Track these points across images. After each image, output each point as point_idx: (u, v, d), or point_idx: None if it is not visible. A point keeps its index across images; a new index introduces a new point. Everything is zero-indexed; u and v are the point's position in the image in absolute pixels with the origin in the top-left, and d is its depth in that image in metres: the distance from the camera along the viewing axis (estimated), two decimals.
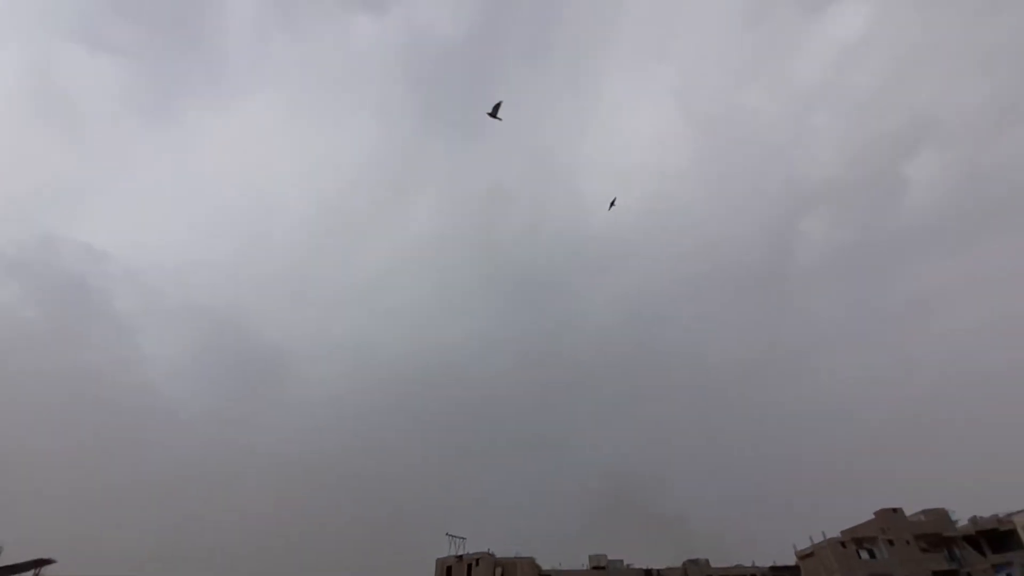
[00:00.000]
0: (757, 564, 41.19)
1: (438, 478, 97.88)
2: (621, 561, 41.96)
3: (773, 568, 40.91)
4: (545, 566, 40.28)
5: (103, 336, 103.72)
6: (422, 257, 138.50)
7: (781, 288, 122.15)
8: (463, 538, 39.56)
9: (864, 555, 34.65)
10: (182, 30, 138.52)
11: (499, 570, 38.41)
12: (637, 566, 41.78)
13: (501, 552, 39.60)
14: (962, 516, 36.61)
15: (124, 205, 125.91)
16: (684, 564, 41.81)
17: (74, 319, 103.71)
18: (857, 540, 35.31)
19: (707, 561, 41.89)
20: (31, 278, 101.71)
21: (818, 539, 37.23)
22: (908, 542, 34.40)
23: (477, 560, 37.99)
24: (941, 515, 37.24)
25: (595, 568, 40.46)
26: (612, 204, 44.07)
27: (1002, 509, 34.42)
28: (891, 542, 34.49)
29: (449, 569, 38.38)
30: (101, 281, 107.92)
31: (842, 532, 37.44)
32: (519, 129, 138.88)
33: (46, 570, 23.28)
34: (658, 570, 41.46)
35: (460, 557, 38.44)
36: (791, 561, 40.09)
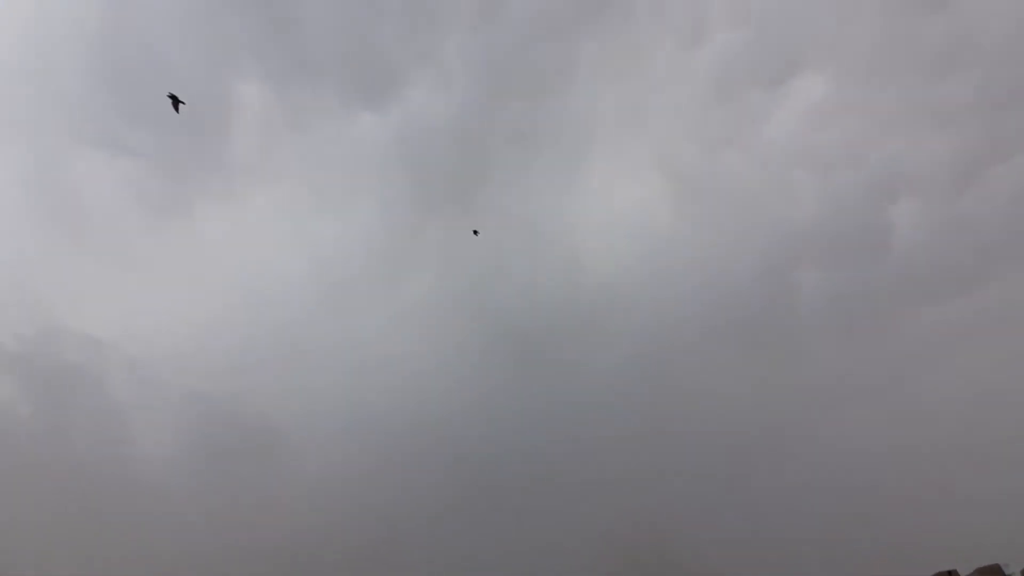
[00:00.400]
0: None
1: (443, 547, 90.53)
2: None
3: None
4: None
5: (99, 428, 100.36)
6: (421, 327, 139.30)
7: (783, 342, 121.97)
8: None
9: None
10: (192, 129, 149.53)
11: None
12: None
13: None
14: (1015, 567, 34.12)
15: (127, 296, 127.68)
16: None
17: (71, 411, 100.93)
18: None
19: None
20: (30, 371, 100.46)
21: None
22: None
23: None
24: (995, 570, 34.94)
25: None
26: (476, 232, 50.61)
27: None
28: None
29: None
30: (99, 370, 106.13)
31: None
32: (510, 204, 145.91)
33: None
34: None
35: None
36: None
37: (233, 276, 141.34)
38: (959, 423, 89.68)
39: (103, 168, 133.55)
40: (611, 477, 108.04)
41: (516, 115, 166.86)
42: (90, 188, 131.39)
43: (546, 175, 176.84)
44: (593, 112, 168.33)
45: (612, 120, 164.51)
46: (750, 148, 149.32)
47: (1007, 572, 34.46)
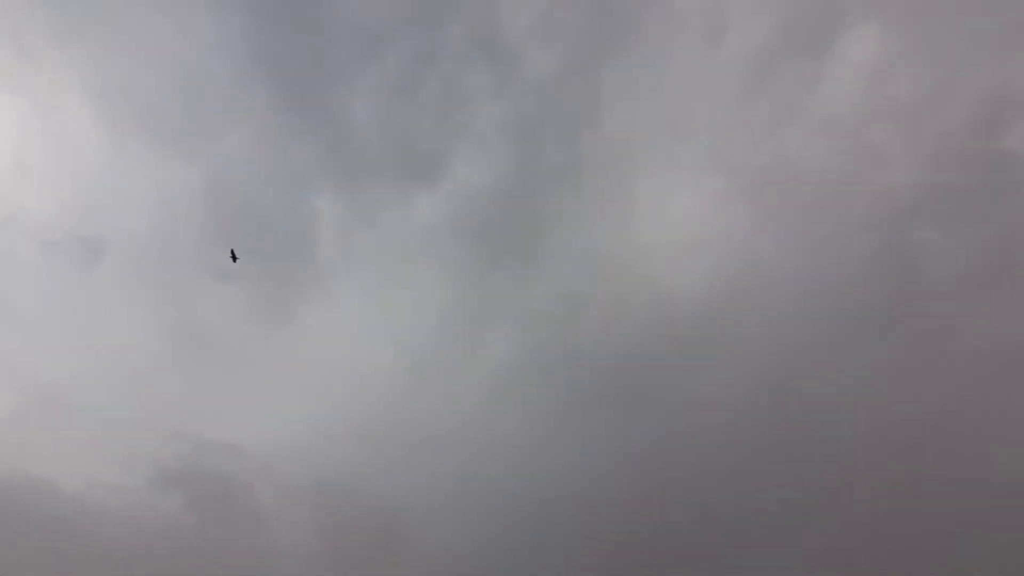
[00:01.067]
0: None
1: None
2: None
3: None
4: None
5: (248, 531, 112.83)
6: (507, 387, 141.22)
7: (917, 318, 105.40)
8: None
9: None
10: (284, 248, 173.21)
11: None
12: None
13: None
14: None
15: (253, 403, 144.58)
16: None
17: (228, 518, 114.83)
18: None
19: None
20: (192, 485, 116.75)
21: None
22: None
23: None
24: None
25: None
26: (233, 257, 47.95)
27: None
28: None
29: None
30: (245, 477, 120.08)
31: None
32: (569, 243, 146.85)
33: None
34: None
35: None
36: None
37: (334, 370, 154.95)
38: None
39: (218, 297, 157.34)
40: (745, 509, 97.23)
41: (555, 159, 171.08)
42: (209, 316, 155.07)
43: (599, 207, 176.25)
44: (632, 133, 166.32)
45: (653, 136, 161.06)
46: (810, 122, 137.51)
47: None
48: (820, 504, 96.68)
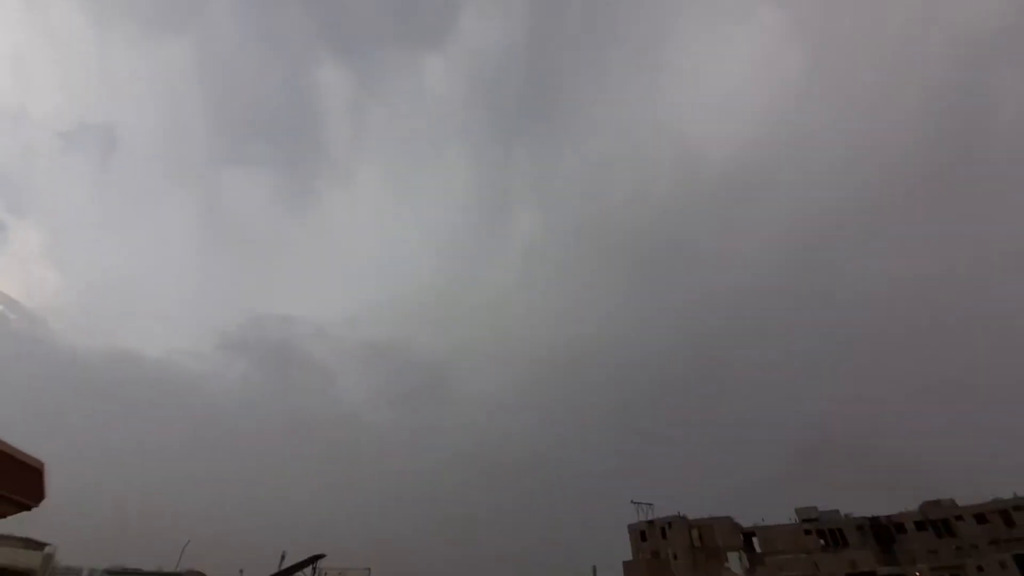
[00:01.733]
0: (1020, 494, 33.38)
1: (615, 455, 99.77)
2: (836, 511, 37.73)
3: None
4: (745, 524, 38.18)
5: (310, 384, 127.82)
6: (538, 256, 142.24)
7: (978, 173, 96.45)
8: (650, 504, 39.71)
9: None
10: (294, 129, 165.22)
11: (695, 532, 37.60)
12: (857, 515, 37.15)
13: (693, 514, 38.72)
14: None
15: (295, 278, 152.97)
16: (922, 507, 35.89)
17: (288, 375, 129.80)
18: None
19: (952, 500, 35.32)
20: (254, 349, 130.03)
21: None
22: None
23: (670, 523, 37.72)
24: None
25: (805, 521, 37.05)
26: None
27: None
28: None
29: (643, 534, 38.78)
30: (298, 340, 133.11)
31: None
32: (594, 107, 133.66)
33: (320, 563, 28.29)
34: (888, 517, 36.30)
35: (651, 522, 38.58)
36: None
37: (367, 252, 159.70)
38: None
39: (239, 185, 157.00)
40: (794, 362, 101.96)
41: (574, 6, 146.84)
42: (236, 204, 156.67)
43: (628, 66, 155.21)
44: None
45: None
46: None
47: None
48: (850, 351, 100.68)
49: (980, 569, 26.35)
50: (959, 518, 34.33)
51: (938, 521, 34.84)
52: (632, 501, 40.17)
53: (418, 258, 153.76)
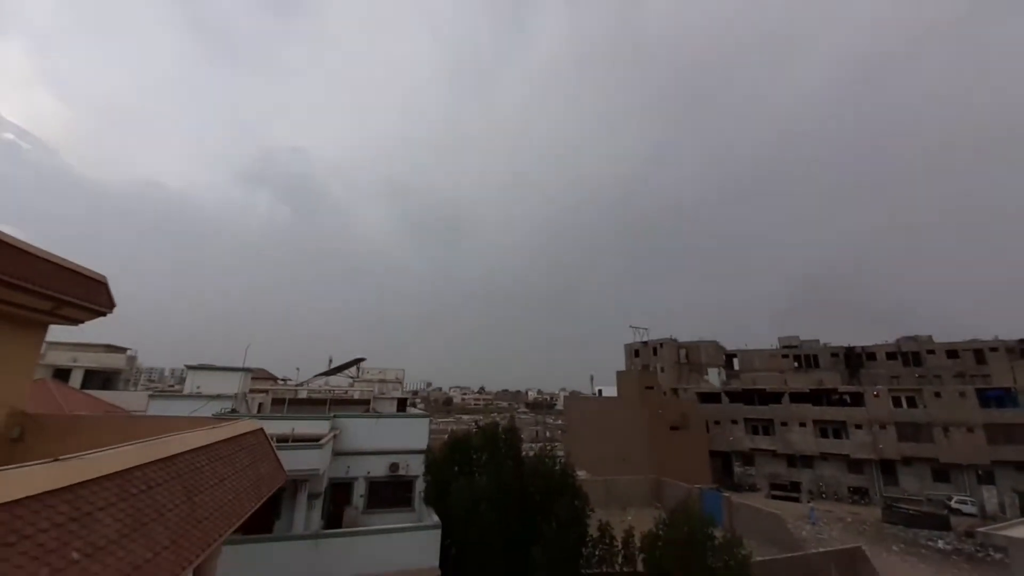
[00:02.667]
0: (1001, 338, 35.83)
1: (621, 284, 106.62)
2: (817, 341, 41.48)
3: (1022, 341, 35.19)
4: (730, 348, 42.67)
5: (333, 220, 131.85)
6: (558, 85, 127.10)
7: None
8: (646, 328, 44.07)
9: None
10: None
11: (683, 352, 42.50)
12: (836, 344, 40.88)
13: (685, 339, 43.20)
14: None
15: (301, 106, 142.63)
16: (898, 340, 39.07)
17: (312, 210, 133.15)
18: None
19: (929, 337, 38.20)
20: (272, 183, 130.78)
21: None
22: None
23: (661, 343, 42.46)
24: None
25: (785, 347, 41.16)
26: None
27: None
28: None
29: (636, 352, 44.09)
30: (317, 175, 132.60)
31: None
32: None
33: (362, 365, 32.46)
34: (863, 347, 39.90)
35: (645, 342, 43.42)
36: None
37: (376, 71, 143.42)
38: None
39: None
40: (809, 208, 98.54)
41: None
42: (221, 9, 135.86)
43: None
44: None
45: None
46: None
47: None
48: (873, 179, 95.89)
49: (937, 395, 29.15)
50: (931, 352, 37.62)
51: (909, 353, 38.34)
52: (630, 325, 44.48)
53: (433, 84, 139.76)
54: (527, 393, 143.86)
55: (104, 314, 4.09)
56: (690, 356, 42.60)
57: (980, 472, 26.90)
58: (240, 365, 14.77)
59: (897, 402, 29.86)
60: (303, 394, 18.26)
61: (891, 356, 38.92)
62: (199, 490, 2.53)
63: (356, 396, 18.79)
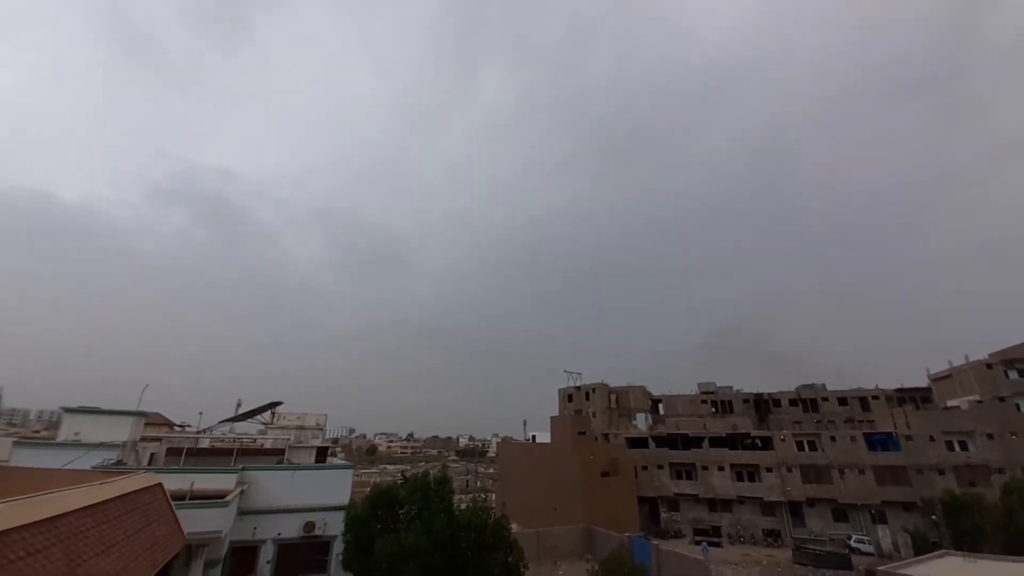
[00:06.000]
0: (881, 387, 40.77)
1: (556, 329, 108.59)
2: (731, 387, 44.55)
3: (899, 390, 40.28)
4: (656, 393, 44.58)
5: (256, 243, 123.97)
6: (501, 129, 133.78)
7: (953, 92, 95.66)
8: (579, 373, 44.97)
9: (1013, 375, 32.36)
10: None
11: (613, 396, 43.70)
12: (746, 391, 44.14)
13: (614, 383, 44.57)
14: None
15: (227, 126, 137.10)
16: (797, 388, 42.99)
17: (233, 235, 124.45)
18: (1007, 361, 32.65)
19: (823, 385, 42.49)
20: (190, 202, 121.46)
21: (959, 363, 35.19)
22: None
23: (594, 388, 43.41)
24: None
25: (704, 393, 43.75)
26: None
27: None
28: None
29: (570, 396, 44.65)
30: (240, 198, 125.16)
31: (990, 355, 34.55)
32: None
33: (278, 410, 30.06)
34: (769, 394, 43.40)
35: (578, 387, 44.18)
36: (920, 384, 38.95)
37: (313, 98, 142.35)
38: None
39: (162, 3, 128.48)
40: (723, 257, 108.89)
41: None
42: (149, 23, 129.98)
43: None
44: None
45: None
46: None
47: None
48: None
49: (832, 439, 32.88)
50: (825, 399, 41.85)
51: (808, 400, 42.37)
52: (564, 370, 45.22)
53: (371, 113, 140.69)
54: (458, 440, 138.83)
55: None
56: (620, 401, 43.84)
57: (873, 512, 29.56)
58: (132, 408, 12.94)
59: (800, 446, 32.52)
60: (205, 443, 16.27)
61: (793, 403, 42.78)
62: (83, 558, 2.10)
63: (268, 445, 17.09)
